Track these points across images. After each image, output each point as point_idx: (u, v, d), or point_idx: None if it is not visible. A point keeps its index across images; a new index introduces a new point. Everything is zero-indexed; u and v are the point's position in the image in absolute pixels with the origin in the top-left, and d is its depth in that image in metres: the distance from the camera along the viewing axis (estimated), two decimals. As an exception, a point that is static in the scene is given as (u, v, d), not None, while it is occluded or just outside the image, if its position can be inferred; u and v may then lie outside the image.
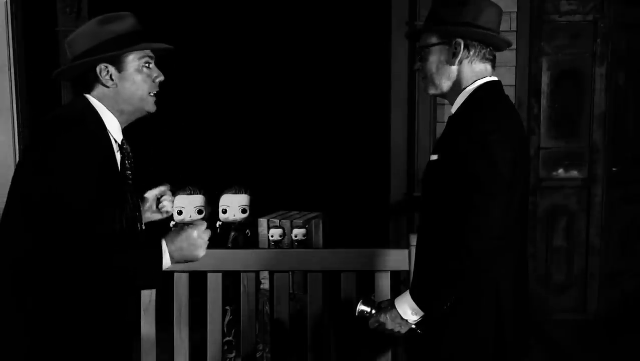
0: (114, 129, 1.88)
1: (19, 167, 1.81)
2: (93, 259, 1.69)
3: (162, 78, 1.92)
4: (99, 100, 1.86)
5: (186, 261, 1.80)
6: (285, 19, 6.11)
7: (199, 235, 1.79)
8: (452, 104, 2.03)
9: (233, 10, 6.11)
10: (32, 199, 1.68)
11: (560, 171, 4.55)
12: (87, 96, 1.87)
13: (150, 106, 1.91)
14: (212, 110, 6.18)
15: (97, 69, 1.84)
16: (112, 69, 1.84)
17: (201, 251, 1.80)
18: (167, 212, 2.22)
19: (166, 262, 1.77)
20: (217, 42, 6.15)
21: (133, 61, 1.86)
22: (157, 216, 2.22)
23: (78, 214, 1.68)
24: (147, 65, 1.89)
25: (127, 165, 1.91)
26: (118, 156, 1.89)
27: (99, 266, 1.70)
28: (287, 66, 6.22)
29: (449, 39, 1.96)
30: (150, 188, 2.26)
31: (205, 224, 1.82)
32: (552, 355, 4.02)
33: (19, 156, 1.84)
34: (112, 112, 1.87)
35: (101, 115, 1.85)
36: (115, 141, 1.88)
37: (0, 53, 3.86)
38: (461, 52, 1.96)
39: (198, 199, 3.43)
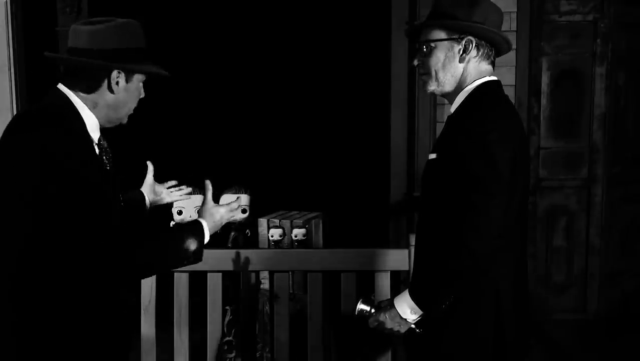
0: (92, 127, 1.86)
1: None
2: (123, 247, 1.72)
3: (142, 96, 1.96)
4: (84, 100, 1.83)
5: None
6: (286, 19, 6.11)
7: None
8: (451, 103, 2.02)
9: (233, 9, 6.11)
10: (34, 194, 1.67)
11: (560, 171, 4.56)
12: (65, 90, 1.83)
13: (125, 120, 1.95)
14: (212, 110, 6.18)
15: (113, 73, 1.83)
16: (122, 78, 1.85)
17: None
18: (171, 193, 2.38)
19: (207, 238, 1.92)
20: (217, 42, 6.15)
21: (139, 77, 1.90)
22: (167, 199, 2.38)
23: (95, 203, 1.71)
24: (142, 83, 1.93)
25: (105, 161, 1.91)
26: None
27: (129, 255, 1.73)
28: (287, 66, 6.22)
29: (460, 35, 1.94)
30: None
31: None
32: (552, 355, 4.02)
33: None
34: (92, 112, 1.85)
35: (80, 111, 1.83)
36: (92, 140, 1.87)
37: (0, 53, 3.86)
38: (472, 50, 1.95)
39: (198, 199, 3.43)
